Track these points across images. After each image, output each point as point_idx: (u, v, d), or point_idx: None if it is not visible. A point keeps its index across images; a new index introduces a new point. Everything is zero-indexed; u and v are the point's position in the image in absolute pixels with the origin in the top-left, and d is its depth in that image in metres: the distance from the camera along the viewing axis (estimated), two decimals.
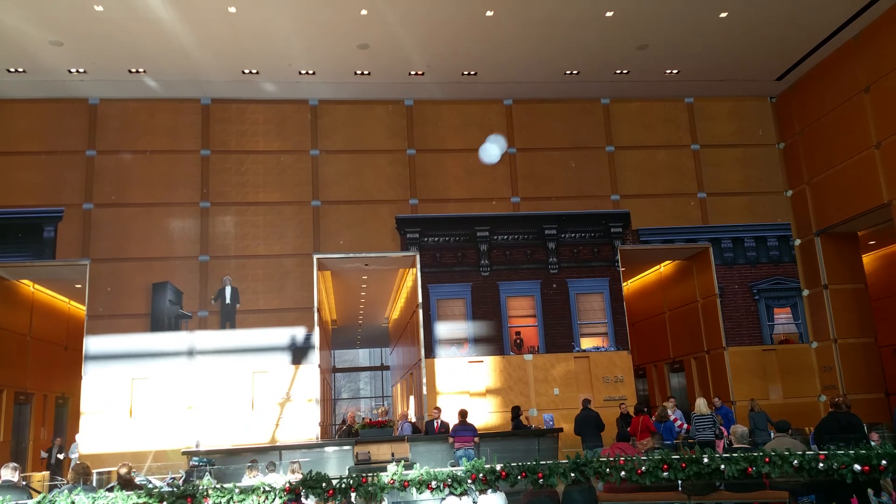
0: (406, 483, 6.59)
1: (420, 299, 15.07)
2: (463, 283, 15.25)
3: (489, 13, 12.78)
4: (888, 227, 14.28)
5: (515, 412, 13.46)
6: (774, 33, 14.01)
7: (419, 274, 15.18)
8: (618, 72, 15.23)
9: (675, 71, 15.36)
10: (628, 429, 13.09)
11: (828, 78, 15.10)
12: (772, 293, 15.88)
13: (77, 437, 14.51)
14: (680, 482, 6.82)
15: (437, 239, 15.33)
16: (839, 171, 14.81)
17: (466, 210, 15.51)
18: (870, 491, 7.31)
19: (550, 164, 15.96)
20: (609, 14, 13.02)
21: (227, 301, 14.53)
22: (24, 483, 11.14)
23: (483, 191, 15.68)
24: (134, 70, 14.12)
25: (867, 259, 17.32)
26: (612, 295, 15.53)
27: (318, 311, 14.93)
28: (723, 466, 6.71)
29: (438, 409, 13.34)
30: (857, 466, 6.58)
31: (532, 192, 15.78)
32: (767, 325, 15.74)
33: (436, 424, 12.98)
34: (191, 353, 14.24)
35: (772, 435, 11.48)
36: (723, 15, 13.25)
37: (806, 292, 15.83)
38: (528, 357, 15.01)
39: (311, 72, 14.54)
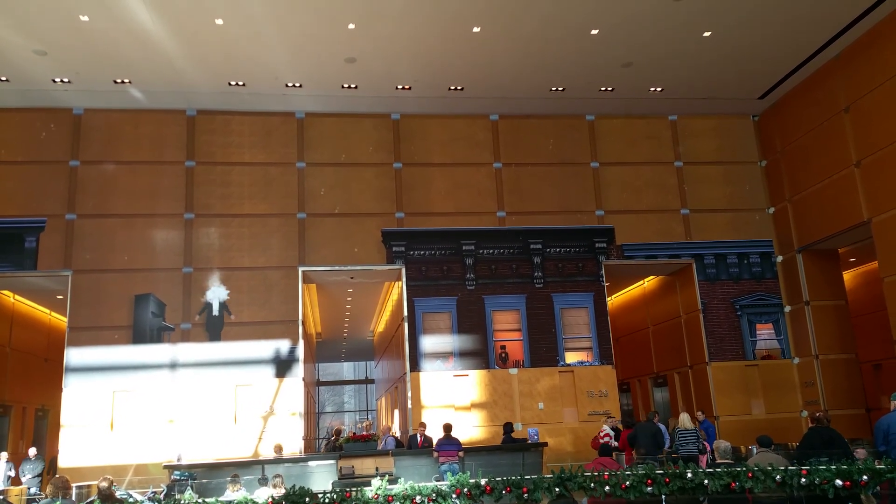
0: (390, 498, 6.56)
1: (405, 313, 15.05)
2: (448, 297, 15.26)
3: (476, 29, 12.88)
4: (868, 245, 14.47)
5: (507, 428, 13.49)
6: (757, 53, 14.23)
7: (405, 287, 15.17)
8: (603, 89, 15.39)
9: (659, 88, 15.53)
10: (616, 443, 13.11)
11: (809, 97, 15.34)
12: (754, 309, 16.02)
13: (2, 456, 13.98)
14: (664, 497, 6.84)
15: (422, 252, 15.34)
16: (820, 188, 15.02)
17: (452, 224, 15.55)
18: None
19: (536, 180, 16.05)
20: (594, 32, 13.17)
21: (215, 313, 14.41)
22: (0, 497, 10.97)
23: (469, 205, 15.72)
24: (119, 80, 14.07)
25: (848, 276, 17.53)
26: (596, 310, 15.60)
27: (303, 323, 14.86)
28: (706, 481, 6.75)
29: (423, 425, 13.30)
30: (838, 482, 6.64)
31: (518, 206, 15.85)
32: (750, 341, 15.87)
33: (419, 439, 12.94)
34: (173, 365, 14.12)
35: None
36: (706, 34, 13.45)
37: (788, 308, 15.98)
38: (513, 371, 15.02)
39: (297, 84, 14.57)
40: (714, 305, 15.92)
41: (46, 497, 7.24)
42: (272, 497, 6.51)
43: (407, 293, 15.13)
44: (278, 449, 12.96)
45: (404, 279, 15.19)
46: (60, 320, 18.06)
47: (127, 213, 14.66)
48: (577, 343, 15.49)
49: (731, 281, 16.08)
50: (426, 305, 15.19)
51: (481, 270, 15.44)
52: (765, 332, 16.06)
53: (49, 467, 14.63)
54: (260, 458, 13.35)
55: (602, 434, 13.44)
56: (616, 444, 13.12)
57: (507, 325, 15.42)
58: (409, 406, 14.62)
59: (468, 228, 15.54)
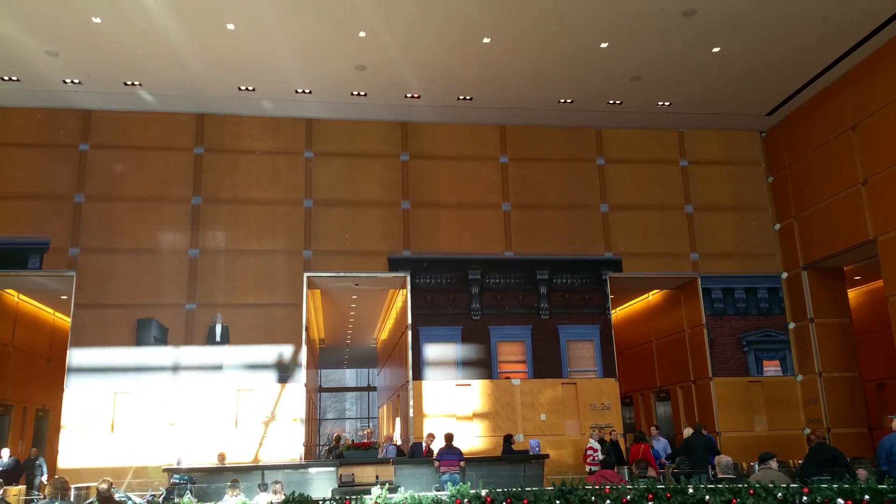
0: None
1: (409, 321, 15.03)
2: (453, 327, 15.10)
3: (486, 40, 12.93)
4: (873, 263, 14.42)
5: (507, 439, 13.45)
6: (765, 69, 14.25)
7: (409, 295, 15.15)
8: (611, 102, 15.41)
9: (667, 103, 15.55)
10: (601, 456, 13.04)
11: (816, 115, 15.34)
12: (761, 345, 15.87)
13: None
14: None
15: (428, 280, 15.21)
16: (826, 206, 15.00)
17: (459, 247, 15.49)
18: None
19: (543, 219, 15.82)
20: (604, 45, 13.21)
21: (218, 339, 14.36)
22: None
23: (476, 232, 15.55)
24: (130, 83, 14.14)
25: (853, 294, 17.48)
26: (602, 342, 15.37)
27: (307, 329, 14.86)
28: (707, 497, 6.72)
29: (432, 436, 13.26)
30: (840, 501, 6.60)
31: (524, 238, 15.63)
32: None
33: (424, 447, 12.90)
34: (175, 368, 14.11)
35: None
36: (715, 50, 13.47)
37: (792, 325, 15.93)
38: (516, 382, 14.98)
39: (307, 91, 14.62)
40: (721, 341, 15.77)
41: (45, 498, 7.24)
42: (272, 503, 6.50)
43: (412, 321, 15.00)
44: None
45: (409, 286, 15.16)
46: (63, 320, 18.11)
47: (132, 247, 14.52)
48: (583, 376, 15.32)
49: (739, 316, 15.93)
50: (431, 335, 15.03)
51: (487, 300, 15.23)
52: (771, 368, 15.89)
53: (24, 467, 14.60)
54: (260, 463, 13.33)
55: (587, 449, 13.37)
56: (601, 457, 13.02)
57: (513, 357, 15.16)
58: (411, 415, 14.59)
59: (474, 257, 15.34)
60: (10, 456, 13.81)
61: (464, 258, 15.37)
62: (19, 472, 14.12)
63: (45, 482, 13.87)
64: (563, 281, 15.58)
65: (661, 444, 14.12)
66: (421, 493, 6.72)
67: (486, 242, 15.56)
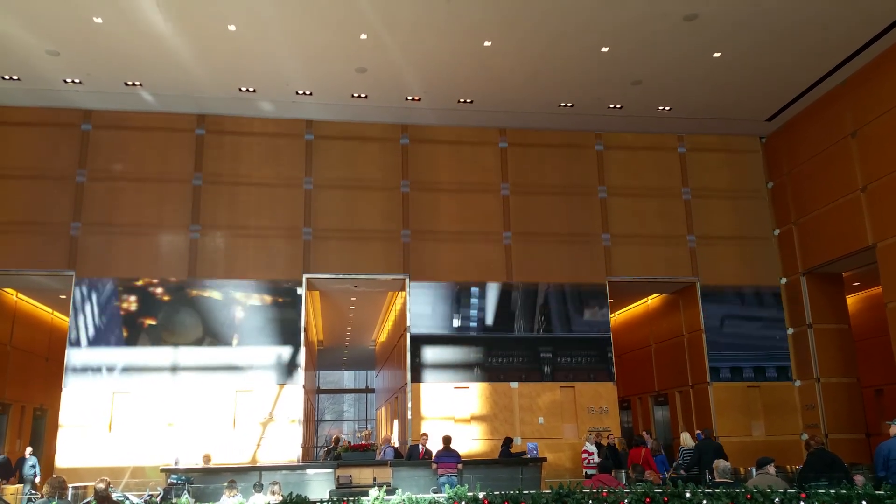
0: None
1: (408, 323, 15.03)
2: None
3: (487, 43, 12.95)
4: (872, 269, 14.43)
5: (506, 442, 13.45)
6: (766, 75, 14.27)
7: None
8: (611, 106, 15.43)
9: (667, 107, 15.58)
10: (598, 459, 13.06)
11: (816, 121, 15.36)
12: None
13: None
14: None
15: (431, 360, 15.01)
16: (826, 212, 15.01)
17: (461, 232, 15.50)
18: None
19: (543, 225, 15.91)
20: (604, 49, 13.23)
21: None
22: None
23: (477, 223, 15.61)
24: (130, 83, 14.15)
25: (851, 300, 17.48)
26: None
27: (305, 330, 14.86)
28: (705, 502, 6.71)
29: (425, 436, 13.25)
30: None
31: (524, 228, 15.72)
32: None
33: (420, 449, 12.89)
34: (174, 368, 14.12)
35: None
36: (716, 55, 13.49)
37: (791, 331, 15.94)
38: (514, 385, 14.98)
39: (308, 92, 14.63)
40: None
41: (43, 497, 7.23)
42: None
43: (411, 405, 14.80)
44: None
45: (408, 288, 15.16)
46: (62, 320, 18.10)
47: (133, 223, 14.62)
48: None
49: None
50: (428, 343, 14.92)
51: (491, 380, 14.98)
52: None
53: (16, 467, 14.59)
54: (258, 464, 13.32)
55: (583, 452, 13.38)
56: (598, 460, 13.03)
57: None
58: (409, 417, 14.58)
59: (479, 335, 15.13)
60: (1, 454, 13.79)
61: (468, 336, 15.13)
62: (11, 470, 14.11)
63: (38, 482, 13.88)
64: (567, 360, 15.27)
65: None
66: (418, 496, 6.71)
67: (486, 230, 15.54)
